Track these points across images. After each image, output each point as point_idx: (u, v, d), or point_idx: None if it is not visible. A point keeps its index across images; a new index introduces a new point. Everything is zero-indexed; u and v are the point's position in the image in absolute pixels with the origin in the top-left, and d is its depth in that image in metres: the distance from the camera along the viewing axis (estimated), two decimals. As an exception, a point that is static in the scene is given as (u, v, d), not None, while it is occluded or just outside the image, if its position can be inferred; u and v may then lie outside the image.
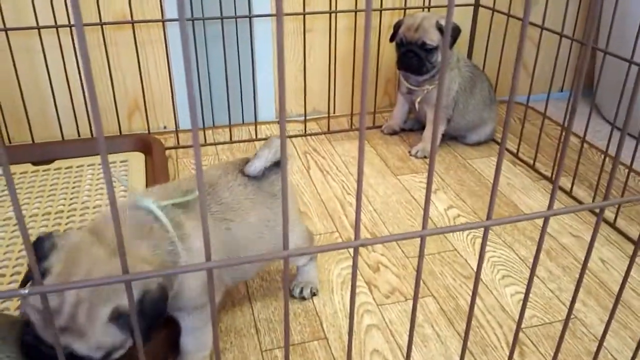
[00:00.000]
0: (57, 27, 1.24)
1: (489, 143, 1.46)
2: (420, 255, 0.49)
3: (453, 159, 1.38)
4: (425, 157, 1.38)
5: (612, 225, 1.10)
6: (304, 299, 0.91)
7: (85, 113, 1.35)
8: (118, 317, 0.57)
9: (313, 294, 0.91)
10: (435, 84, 1.34)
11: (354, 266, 0.47)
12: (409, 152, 1.40)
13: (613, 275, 0.97)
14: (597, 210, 0.86)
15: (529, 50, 1.58)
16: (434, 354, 0.81)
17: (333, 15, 1.42)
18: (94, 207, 1.11)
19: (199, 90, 1.43)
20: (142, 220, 0.66)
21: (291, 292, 0.91)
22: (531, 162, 1.34)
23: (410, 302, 0.91)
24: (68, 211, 1.09)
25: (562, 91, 1.68)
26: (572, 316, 0.86)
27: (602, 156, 1.29)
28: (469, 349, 0.82)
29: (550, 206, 0.55)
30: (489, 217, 0.53)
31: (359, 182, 0.43)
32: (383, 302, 0.91)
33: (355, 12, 1.47)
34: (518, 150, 1.38)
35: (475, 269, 0.99)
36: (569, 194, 1.21)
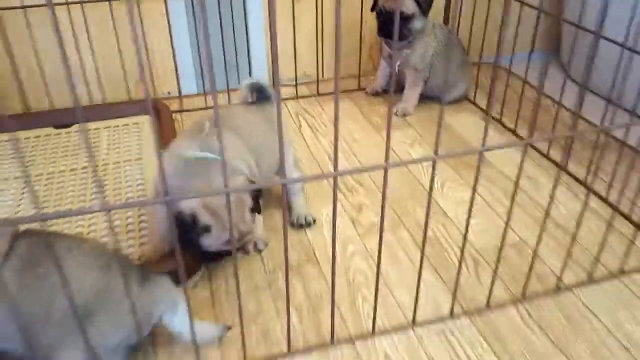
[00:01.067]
0: (67, 4, 1.37)
1: (463, 101, 1.62)
2: (385, 183, 0.66)
3: (429, 117, 1.54)
4: (405, 115, 1.54)
5: (563, 167, 1.27)
6: (302, 226, 1.09)
7: (97, 81, 1.50)
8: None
9: (313, 221, 1.10)
10: (411, 49, 1.49)
11: (335, 195, 0.63)
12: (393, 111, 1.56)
13: (560, 211, 1.15)
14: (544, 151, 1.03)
15: (499, 16, 1.72)
16: (405, 271, 0.99)
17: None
18: (113, 163, 1.27)
19: (198, 58, 1.58)
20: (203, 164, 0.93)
21: (292, 224, 1.10)
22: (499, 118, 1.50)
23: (387, 234, 1.08)
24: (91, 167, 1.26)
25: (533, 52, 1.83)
26: (518, 239, 1.04)
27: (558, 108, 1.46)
28: (435, 266, 1.00)
29: (483, 144, 0.72)
30: (436, 153, 0.70)
31: (336, 121, 0.59)
32: (364, 234, 1.09)
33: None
34: (487, 106, 1.54)
35: (443, 208, 1.17)
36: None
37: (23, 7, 1.36)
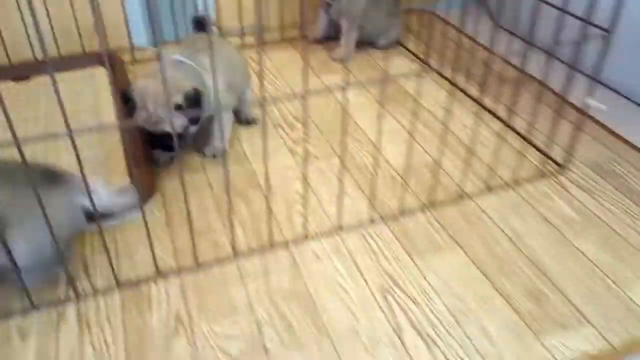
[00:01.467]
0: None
1: (396, 47, 1.77)
2: (305, 109, 0.81)
3: (365, 61, 1.69)
4: (342, 60, 1.69)
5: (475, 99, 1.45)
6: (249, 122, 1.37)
7: (52, 35, 1.58)
8: (178, 107, 1.08)
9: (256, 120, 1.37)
10: (345, -2, 1.62)
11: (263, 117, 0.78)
12: (330, 56, 1.71)
13: (468, 134, 1.33)
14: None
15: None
16: (333, 189, 1.16)
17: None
18: (71, 111, 1.38)
19: (148, 12, 1.67)
20: (177, 65, 1.13)
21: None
22: (427, 59, 1.66)
23: (321, 162, 1.25)
24: (52, 115, 1.37)
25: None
26: (431, 160, 1.21)
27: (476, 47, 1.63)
28: (360, 185, 1.18)
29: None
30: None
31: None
32: (300, 162, 1.25)
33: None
34: (417, 53, 1.70)
35: (371, 139, 1.33)
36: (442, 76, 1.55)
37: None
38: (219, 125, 1.24)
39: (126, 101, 1.12)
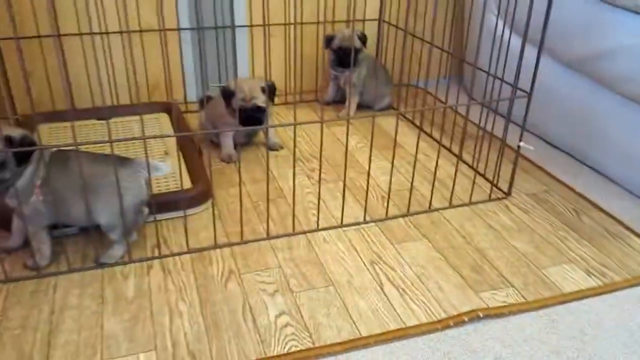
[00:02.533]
0: (105, 33, 1.97)
1: (389, 109, 2.27)
2: (321, 137, 1.28)
3: (364, 119, 2.18)
4: (346, 117, 2.17)
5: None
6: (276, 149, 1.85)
7: (127, 89, 2.08)
8: (262, 90, 1.68)
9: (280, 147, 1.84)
10: (352, 71, 2.13)
11: (294, 142, 1.24)
12: (337, 115, 2.20)
13: (440, 172, 1.79)
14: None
15: (417, 49, 2.40)
16: (338, 201, 1.60)
17: (289, 26, 2.20)
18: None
19: (200, 77, 2.18)
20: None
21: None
22: (414, 121, 2.15)
23: (330, 184, 1.69)
24: (131, 143, 1.83)
25: (445, 78, 2.52)
26: (409, 184, 1.65)
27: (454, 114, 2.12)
28: (358, 199, 1.61)
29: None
30: (349, 115, 1.32)
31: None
32: (314, 184, 1.70)
33: (298, 25, 2.26)
34: (405, 114, 2.19)
35: (367, 170, 1.79)
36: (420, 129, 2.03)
37: (80, 34, 1.95)
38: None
39: (226, 95, 1.72)
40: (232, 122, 1.77)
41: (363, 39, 2.11)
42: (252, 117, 1.71)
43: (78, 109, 2.03)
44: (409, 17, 2.26)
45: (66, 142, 1.72)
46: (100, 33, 1.95)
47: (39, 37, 1.93)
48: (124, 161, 1.30)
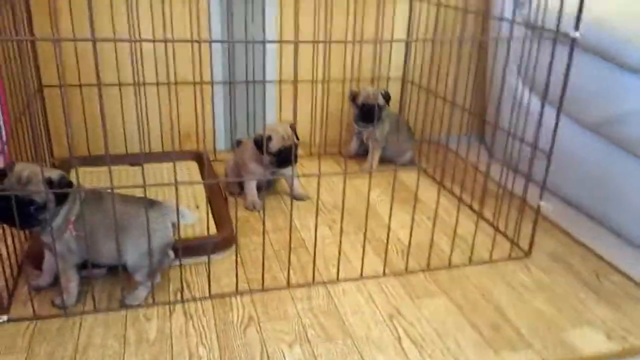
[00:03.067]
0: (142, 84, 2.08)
1: (410, 165, 2.31)
2: (344, 189, 1.32)
3: (386, 172, 2.23)
4: (369, 171, 2.22)
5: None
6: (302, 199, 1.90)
7: (159, 136, 2.18)
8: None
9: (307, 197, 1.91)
10: (375, 127, 2.20)
11: (318, 192, 1.29)
12: (360, 168, 2.25)
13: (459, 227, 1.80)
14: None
15: (439, 107, 2.47)
16: (358, 252, 1.62)
17: (316, 83, 2.30)
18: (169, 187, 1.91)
19: (229, 127, 2.27)
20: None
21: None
22: (434, 176, 2.19)
23: (350, 235, 1.72)
24: (160, 188, 1.90)
25: (466, 135, 2.57)
26: (430, 239, 1.68)
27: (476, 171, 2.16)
28: (377, 252, 1.64)
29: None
30: (371, 168, 1.36)
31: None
32: (335, 234, 1.73)
33: (324, 81, 2.35)
34: (426, 169, 2.23)
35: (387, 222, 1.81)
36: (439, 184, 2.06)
37: (119, 84, 2.07)
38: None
39: (260, 141, 1.80)
40: (256, 170, 1.84)
41: (386, 97, 2.19)
42: (290, 155, 1.78)
43: (111, 155, 2.12)
44: (432, 76, 2.35)
45: (100, 184, 1.80)
46: (138, 84, 2.06)
47: (80, 85, 2.05)
48: (153, 204, 1.36)
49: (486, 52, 2.43)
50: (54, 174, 1.26)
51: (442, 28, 2.20)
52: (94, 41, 1.08)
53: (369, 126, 2.21)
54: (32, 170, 1.24)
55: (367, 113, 2.17)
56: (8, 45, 1.55)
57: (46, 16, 1.95)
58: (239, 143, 1.99)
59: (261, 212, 1.83)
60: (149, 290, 1.36)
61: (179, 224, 1.35)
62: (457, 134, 2.13)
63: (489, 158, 1.57)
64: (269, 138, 1.78)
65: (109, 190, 1.27)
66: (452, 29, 2.30)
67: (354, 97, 2.23)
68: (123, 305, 1.34)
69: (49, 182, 1.23)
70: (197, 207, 1.80)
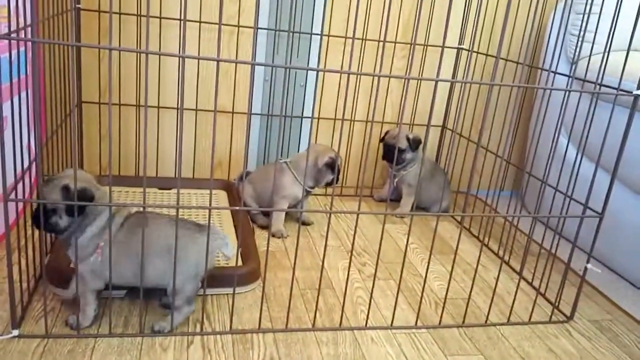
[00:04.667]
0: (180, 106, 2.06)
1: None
2: (355, 229, 1.25)
3: (421, 220, 2.15)
4: (401, 216, 2.15)
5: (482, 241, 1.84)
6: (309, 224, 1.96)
7: (192, 164, 2.15)
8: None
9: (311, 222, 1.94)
10: (406, 171, 2.14)
11: (328, 224, 1.22)
12: (393, 213, 2.18)
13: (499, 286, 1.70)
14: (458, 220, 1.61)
15: (479, 158, 2.40)
16: (389, 300, 1.53)
17: (346, 122, 2.26)
18: (201, 215, 1.86)
19: (262, 160, 2.24)
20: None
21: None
22: (470, 228, 2.10)
23: (381, 281, 1.63)
24: (187, 213, 1.84)
25: (502, 190, 2.48)
26: (466, 295, 1.58)
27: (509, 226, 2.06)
28: (409, 300, 1.54)
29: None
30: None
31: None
32: (364, 278, 1.64)
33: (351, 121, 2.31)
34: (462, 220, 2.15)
35: (420, 271, 1.72)
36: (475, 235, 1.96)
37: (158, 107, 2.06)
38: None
39: (330, 167, 1.86)
40: (296, 194, 1.82)
41: (414, 141, 2.13)
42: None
43: (142, 177, 2.09)
44: (473, 127, 2.29)
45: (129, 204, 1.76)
46: (177, 108, 2.05)
47: (119, 105, 2.05)
48: (202, 228, 1.30)
49: (529, 107, 2.37)
50: (80, 184, 1.19)
51: (488, 79, 2.16)
52: (147, 53, 1.06)
53: (401, 169, 2.15)
54: (64, 176, 1.20)
55: (386, 152, 2.15)
56: (55, 57, 1.55)
57: (94, 32, 1.96)
58: (247, 174, 1.96)
59: (288, 247, 1.76)
60: (184, 316, 1.29)
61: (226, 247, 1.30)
62: (494, 188, 2.05)
63: (535, 214, 1.49)
64: (336, 158, 1.86)
65: (143, 209, 1.21)
66: (500, 81, 2.26)
67: (384, 137, 2.18)
68: (153, 331, 1.27)
69: (65, 190, 1.18)
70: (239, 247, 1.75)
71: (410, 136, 2.13)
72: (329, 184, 1.92)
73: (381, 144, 2.19)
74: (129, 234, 1.24)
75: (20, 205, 1.63)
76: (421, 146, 2.15)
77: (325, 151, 1.89)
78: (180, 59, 1.08)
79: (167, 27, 2.01)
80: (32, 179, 1.51)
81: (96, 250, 1.21)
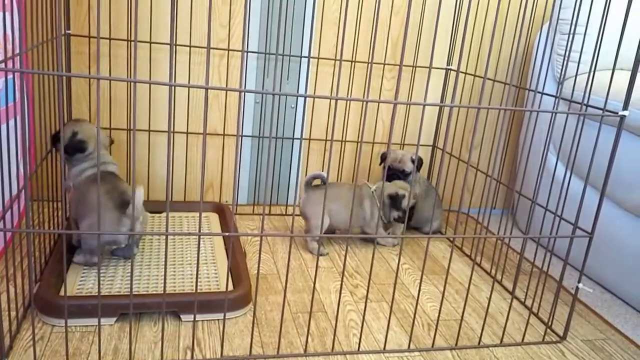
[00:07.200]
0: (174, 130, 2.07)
1: (437, 233, 2.23)
2: (346, 251, 1.25)
3: (413, 241, 2.15)
4: (393, 245, 2.14)
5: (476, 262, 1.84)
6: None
7: (183, 187, 2.14)
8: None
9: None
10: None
11: (318, 250, 1.21)
12: (387, 233, 2.17)
13: (491, 306, 1.70)
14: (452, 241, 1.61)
15: (470, 177, 2.41)
16: (381, 322, 1.52)
17: (338, 143, 2.27)
18: (192, 238, 1.85)
19: (254, 182, 2.23)
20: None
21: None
22: (462, 247, 2.10)
23: (373, 303, 1.63)
24: (178, 237, 1.83)
25: (494, 209, 2.49)
26: (459, 316, 1.57)
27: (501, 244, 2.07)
28: (401, 323, 1.53)
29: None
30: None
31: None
32: (357, 300, 1.63)
33: (344, 142, 2.32)
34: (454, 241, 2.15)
35: (412, 293, 1.72)
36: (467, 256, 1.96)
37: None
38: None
39: (393, 200, 1.95)
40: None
41: (417, 162, 2.14)
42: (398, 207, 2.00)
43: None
44: (463, 146, 2.30)
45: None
46: (167, 132, 2.05)
47: (110, 129, 2.05)
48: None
49: (518, 126, 2.39)
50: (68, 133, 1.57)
51: (477, 99, 2.18)
52: (135, 82, 1.06)
53: (397, 191, 2.16)
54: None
55: (391, 177, 2.13)
56: (44, 83, 1.56)
57: (85, 56, 1.97)
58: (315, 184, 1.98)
59: (280, 269, 1.75)
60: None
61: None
62: (484, 206, 2.06)
63: (526, 234, 1.49)
64: (404, 196, 1.94)
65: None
66: (488, 101, 2.29)
67: (383, 159, 2.19)
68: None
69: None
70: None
71: (414, 157, 2.14)
72: (397, 220, 1.99)
73: (380, 166, 2.20)
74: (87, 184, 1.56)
75: (9, 234, 1.61)
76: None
77: (396, 186, 2.00)
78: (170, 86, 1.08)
79: (157, 50, 2.03)
80: (21, 208, 1.50)
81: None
